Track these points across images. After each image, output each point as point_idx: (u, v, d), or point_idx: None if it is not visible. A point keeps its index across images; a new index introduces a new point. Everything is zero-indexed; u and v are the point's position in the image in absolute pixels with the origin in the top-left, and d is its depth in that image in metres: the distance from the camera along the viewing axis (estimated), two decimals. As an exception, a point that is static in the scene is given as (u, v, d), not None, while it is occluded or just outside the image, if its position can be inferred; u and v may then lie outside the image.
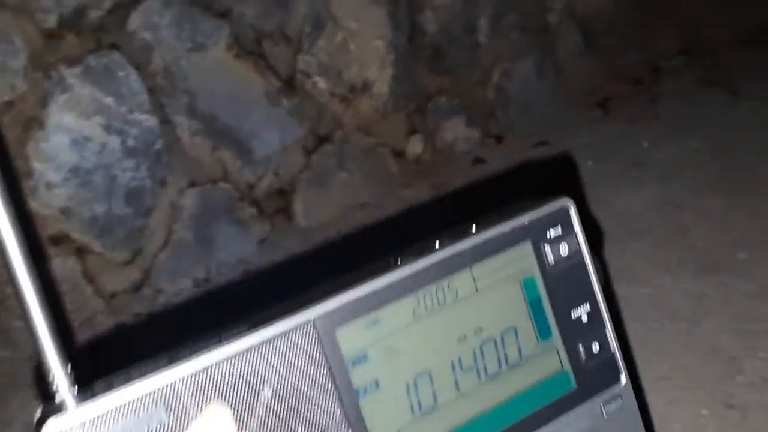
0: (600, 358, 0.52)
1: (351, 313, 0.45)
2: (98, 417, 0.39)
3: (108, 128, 1.47)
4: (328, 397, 0.44)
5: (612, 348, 0.53)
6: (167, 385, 0.41)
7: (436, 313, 0.48)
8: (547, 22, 2.13)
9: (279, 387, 0.43)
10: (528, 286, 0.51)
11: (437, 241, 0.49)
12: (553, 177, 1.70)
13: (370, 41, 1.80)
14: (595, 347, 0.52)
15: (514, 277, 0.50)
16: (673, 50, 2.34)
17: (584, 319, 0.52)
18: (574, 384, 0.51)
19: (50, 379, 0.41)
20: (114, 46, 1.48)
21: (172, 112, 1.56)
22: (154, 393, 0.40)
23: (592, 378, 0.52)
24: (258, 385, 0.43)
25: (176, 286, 1.57)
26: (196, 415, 0.41)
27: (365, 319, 0.46)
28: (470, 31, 1.98)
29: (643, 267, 1.36)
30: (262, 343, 0.43)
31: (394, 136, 1.88)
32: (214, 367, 0.42)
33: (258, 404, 0.43)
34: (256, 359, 0.43)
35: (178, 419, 0.41)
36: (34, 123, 1.41)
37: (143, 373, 0.41)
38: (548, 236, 0.51)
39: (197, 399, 0.41)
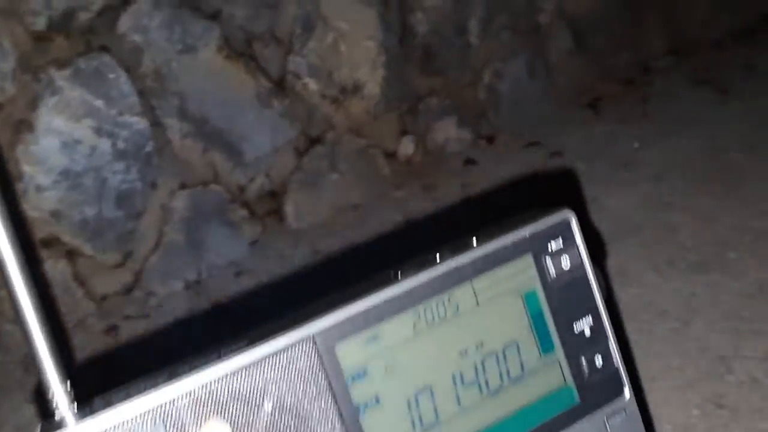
0: (603, 372, 0.52)
1: (351, 328, 0.45)
2: None
3: (98, 131, 1.47)
4: (328, 414, 0.44)
5: (615, 361, 0.53)
6: (166, 402, 0.41)
7: (436, 328, 0.48)
8: (537, 22, 2.13)
9: (279, 403, 0.43)
10: (530, 299, 0.50)
11: (438, 255, 0.48)
12: (548, 178, 1.70)
13: (360, 42, 1.80)
14: (598, 361, 0.52)
15: (516, 290, 0.50)
16: (662, 50, 2.35)
17: (587, 332, 0.52)
18: (577, 398, 0.51)
19: (50, 396, 0.41)
20: (104, 49, 1.48)
21: (163, 115, 1.55)
22: (153, 410, 0.40)
23: (596, 392, 0.52)
24: (258, 401, 0.42)
25: (167, 289, 1.56)
26: (196, 432, 0.41)
27: (365, 334, 0.45)
28: (461, 32, 1.98)
29: (632, 266, 1.36)
30: (262, 359, 0.42)
31: (386, 137, 1.87)
32: (213, 383, 0.41)
33: (258, 421, 0.42)
34: (256, 375, 0.42)
35: None
36: (23, 126, 1.40)
37: (142, 390, 0.41)
38: (549, 249, 0.51)
39: (197, 415, 0.41)
